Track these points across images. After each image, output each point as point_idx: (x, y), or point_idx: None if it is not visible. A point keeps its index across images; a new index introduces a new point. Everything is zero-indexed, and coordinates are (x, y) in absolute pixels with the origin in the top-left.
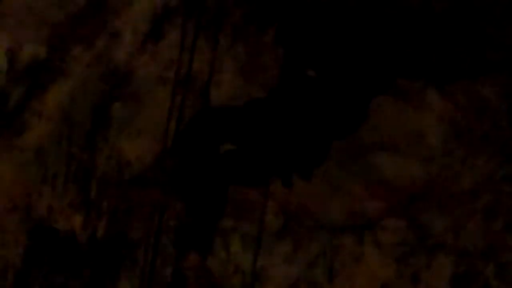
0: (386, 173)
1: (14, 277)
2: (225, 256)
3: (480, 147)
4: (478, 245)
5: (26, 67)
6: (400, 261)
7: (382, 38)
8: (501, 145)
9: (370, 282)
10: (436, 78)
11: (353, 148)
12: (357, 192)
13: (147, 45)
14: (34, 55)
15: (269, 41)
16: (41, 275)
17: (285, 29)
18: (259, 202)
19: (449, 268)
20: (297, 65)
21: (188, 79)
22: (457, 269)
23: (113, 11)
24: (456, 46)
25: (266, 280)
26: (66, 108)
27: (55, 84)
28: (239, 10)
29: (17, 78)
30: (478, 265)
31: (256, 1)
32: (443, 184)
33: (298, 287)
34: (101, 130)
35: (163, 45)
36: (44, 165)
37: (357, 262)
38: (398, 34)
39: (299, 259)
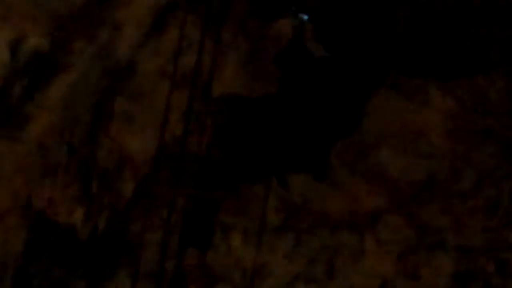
0: (387, 170)
1: (14, 270)
2: (225, 251)
3: (481, 144)
4: (479, 242)
5: (29, 60)
6: (400, 258)
7: (385, 37)
8: (502, 142)
9: (369, 279)
10: (438, 75)
11: (355, 145)
12: (358, 189)
13: (150, 39)
14: (37, 48)
15: (272, 35)
16: (41, 268)
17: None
18: (260, 197)
19: (449, 266)
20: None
21: (190, 73)
22: (458, 267)
23: (116, 4)
24: (459, 43)
25: (266, 275)
26: (68, 102)
27: (57, 77)
28: (242, 4)
29: (20, 70)
30: (479, 263)
31: None
32: (444, 181)
33: (298, 283)
34: (102, 124)
35: (165, 39)
36: (46, 158)
37: (357, 259)
38: (401, 33)
39: (299, 256)
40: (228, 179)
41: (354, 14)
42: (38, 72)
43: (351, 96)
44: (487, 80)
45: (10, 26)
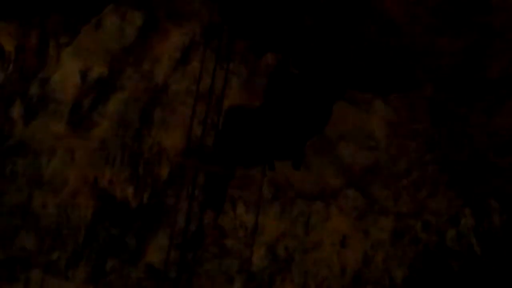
0: (346, 158)
1: (85, 229)
2: (233, 216)
3: (410, 140)
4: (410, 208)
5: (94, 83)
6: (355, 220)
7: (345, 65)
8: (425, 139)
9: (334, 234)
10: (381, 91)
11: (323, 140)
12: (325, 172)
13: (178, 68)
14: (99, 74)
15: (264, 65)
16: (104, 228)
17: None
18: (257, 178)
19: (389, 225)
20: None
21: (208, 92)
22: (395, 226)
23: (154, 44)
24: (396, 69)
25: (262, 232)
26: (122, 112)
27: (114, 94)
28: (243, 43)
29: (87, 90)
30: (410, 223)
31: (255, 36)
32: (385, 166)
33: (283, 238)
34: (146, 127)
35: (190, 67)
36: (107, 151)
37: (325, 221)
38: (353, 61)
39: (285, 218)
40: (231, 164)
41: (321, 50)
42: (100, 91)
43: (320, 106)
44: (416, 95)
45: (80, 59)
